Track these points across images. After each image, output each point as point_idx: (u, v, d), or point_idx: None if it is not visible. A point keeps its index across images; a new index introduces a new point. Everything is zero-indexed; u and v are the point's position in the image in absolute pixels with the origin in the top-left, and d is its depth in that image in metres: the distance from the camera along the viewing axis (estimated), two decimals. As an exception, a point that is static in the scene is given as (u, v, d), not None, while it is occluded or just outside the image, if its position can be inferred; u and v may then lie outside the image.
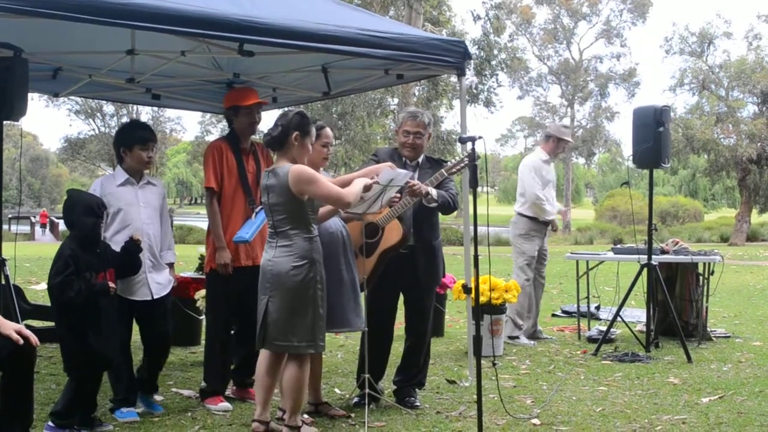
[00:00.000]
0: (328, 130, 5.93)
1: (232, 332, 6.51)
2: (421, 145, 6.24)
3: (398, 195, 5.88)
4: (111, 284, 5.26)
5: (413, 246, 6.13)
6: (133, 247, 5.51)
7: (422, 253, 6.17)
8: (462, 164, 6.09)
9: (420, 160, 6.27)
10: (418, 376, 6.36)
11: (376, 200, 5.59)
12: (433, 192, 5.98)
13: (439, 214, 6.30)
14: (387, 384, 6.59)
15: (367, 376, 6.02)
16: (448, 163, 6.24)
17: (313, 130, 5.35)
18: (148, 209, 5.87)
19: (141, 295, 5.74)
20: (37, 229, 47.50)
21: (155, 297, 5.82)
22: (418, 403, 6.14)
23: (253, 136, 6.44)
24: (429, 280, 6.27)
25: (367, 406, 5.72)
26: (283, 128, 5.18)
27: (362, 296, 5.95)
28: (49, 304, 9.16)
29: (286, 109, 6.96)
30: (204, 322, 7.05)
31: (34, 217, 50.33)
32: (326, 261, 5.36)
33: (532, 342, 8.91)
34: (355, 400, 6.21)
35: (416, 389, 6.33)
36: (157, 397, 6.02)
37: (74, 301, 5.11)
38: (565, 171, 57.13)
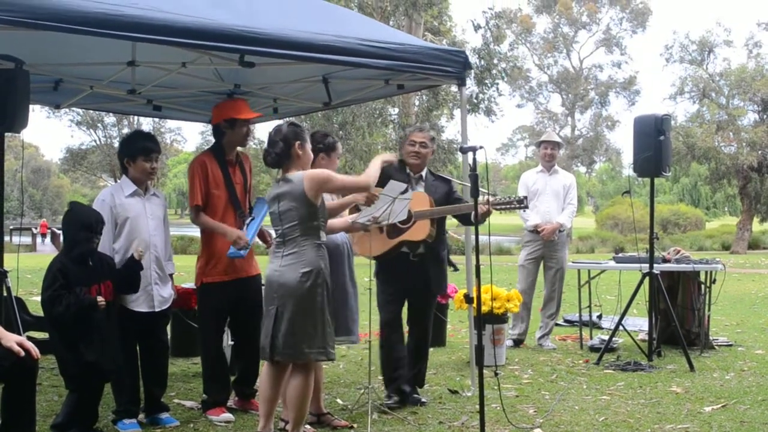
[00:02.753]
0: (339, 145, 6.08)
1: (231, 344, 6.51)
2: (425, 156, 6.48)
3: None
4: (100, 299, 5.22)
5: (423, 254, 6.32)
6: (134, 265, 5.50)
7: (432, 262, 6.41)
8: (511, 206, 6.20)
9: (424, 173, 6.49)
10: (419, 376, 6.61)
11: (384, 211, 5.60)
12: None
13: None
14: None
15: (371, 386, 6.04)
16: (498, 196, 6.31)
17: (308, 136, 5.42)
18: (155, 220, 5.87)
19: (144, 306, 5.74)
20: (38, 240, 47.55)
21: (157, 310, 5.82)
22: (424, 399, 6.43)
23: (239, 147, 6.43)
24: (437, 288, 6.57)
25: (369, 417, 5.72)
26: (284, 142, 5.22)
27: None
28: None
29: (283, 120, 6.98)
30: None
31: (36, 228, 50.37)
32: (330, 271, 5.37)
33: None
34: (387, 402, 6.34)
35: (417, 388, 6.57)
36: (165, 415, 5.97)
37: (64, 316, 5.11)
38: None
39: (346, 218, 5.83)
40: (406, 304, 6.55)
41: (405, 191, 5.68)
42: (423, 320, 6.56)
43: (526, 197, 6.30)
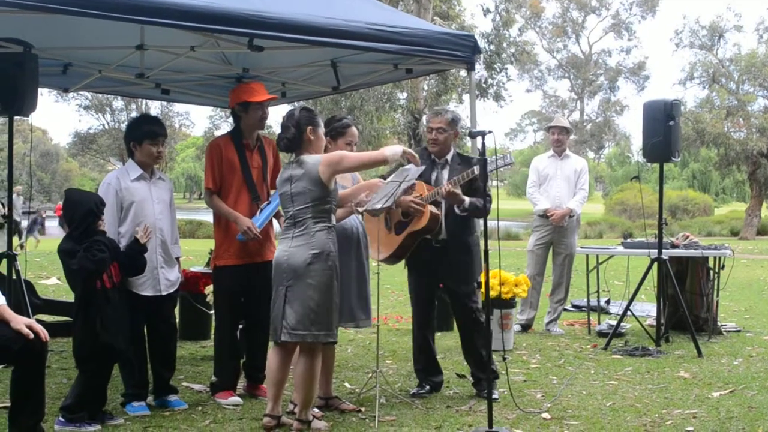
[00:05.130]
0: (353, 129, 6.01)
1: (240, 327, 6.53)
2: (444, 141, 6.31)
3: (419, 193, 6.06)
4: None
5: (447, 241, 6.20)
6: (137, 247, 5.50)
7: (457, 248, 6.24)
8: (499, 166, 6.02)
9: (449, 157, 6.36)
10: (484, 366, 6.02)
11: (390, 196, 5.59)
12: (466, 201, 6.04)
13: None
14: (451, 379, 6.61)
15: (378, 370, 6.06)
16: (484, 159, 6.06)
17: (320, 121, 5.43)
18: (161, 204, 5.87)
19: (150, 290, 5.75)
20: (48, 224, 47.60)
21: (163, 293, 5.84)
22: (495, 395, 5.98)
23: (260, 131, 6.42)
24: (467, 275, 6.27)
25: (377, 400, 5.72)
26: (296, 127, 5.25)
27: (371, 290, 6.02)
28: (59, 299, 9.21)
29: (295, 104, 6.97)
30: (214, 317, 7.08)
31: (45, 212, 50.38)
32: (339, 256, 5.38)
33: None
34: (414, 390, 6.33)
35: (494, 381, 6.04)
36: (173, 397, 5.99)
37: (101, 266, 5.18)
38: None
39: (350, 205, 5.80)
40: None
41: (408, 177, 5.67)
42: (461, 307, 6.32)
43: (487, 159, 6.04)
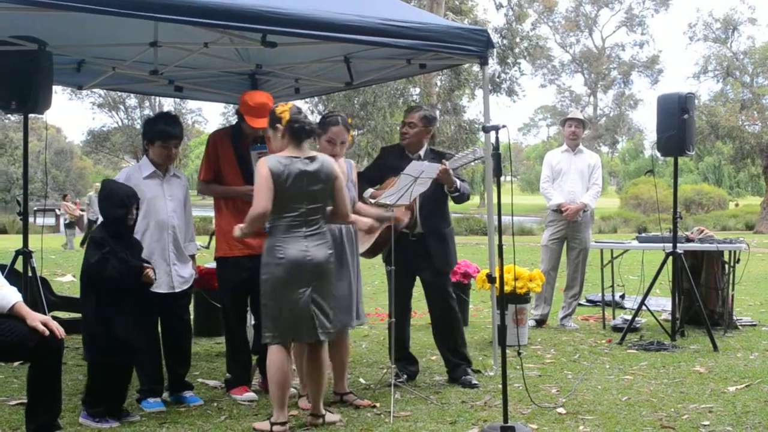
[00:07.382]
0: (337, 128, 5.71)
1: (253, 324, 6.52)
2: (414, 136, 6.45)
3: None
4: (147, 267, 5.29)
5: (423, 233, 6.39)
6: (140, 268, 5.38)
7: (434, 240, 6.44)
8: (469, 161, 6.18)
9: (422, 152, 6.48)
10: (460, 352, 6.60)
11: (406, 192, 5.60)
12: (457, 182, 6.30)
13: (449, 204, 6.59)
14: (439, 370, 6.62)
15: (393, 366, 6.06)
16: (454, 155, 6.45)
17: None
18: (174, 201, 5.86)
19: (164, 287, 5.76)
20: (61, 221, 47.69)
21: (177, 290, 5.84)
22: (475, 382, 6.41)
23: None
24: (443, 264, 6.55)
25: (392, 396, 5.72)
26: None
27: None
28: (75, 296, 9.23)
29: (306, 100, 6.98)
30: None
31: (59, 209, 50.52)
32: (346, 258, 5.49)
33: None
34: (397, 380, 6.32)
35: (468, 368, 6.58)
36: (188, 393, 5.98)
37: (113, 278, 5.12)
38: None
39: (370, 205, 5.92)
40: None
41: (424, 174, 5.70)
42: (436, 297, 6.56)
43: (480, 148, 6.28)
